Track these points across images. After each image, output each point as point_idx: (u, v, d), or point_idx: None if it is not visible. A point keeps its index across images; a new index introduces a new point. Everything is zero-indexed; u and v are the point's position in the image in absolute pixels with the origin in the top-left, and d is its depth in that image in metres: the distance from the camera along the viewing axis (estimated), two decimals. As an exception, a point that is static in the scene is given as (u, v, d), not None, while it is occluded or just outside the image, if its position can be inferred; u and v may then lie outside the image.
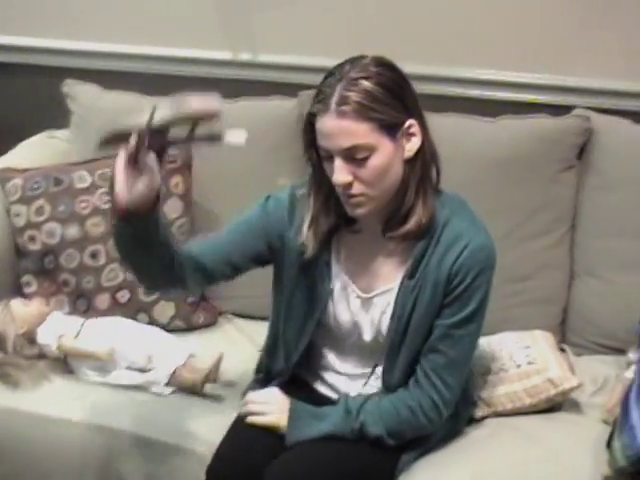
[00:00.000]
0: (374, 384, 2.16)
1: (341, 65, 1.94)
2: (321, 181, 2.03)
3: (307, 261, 2.11)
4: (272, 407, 2.10)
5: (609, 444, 2.13)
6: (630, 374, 2.34)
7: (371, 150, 1.91)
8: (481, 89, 2.88)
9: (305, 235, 2.07)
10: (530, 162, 2.66)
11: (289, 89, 2.92)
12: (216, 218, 2.83)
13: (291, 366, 2.20)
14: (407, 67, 2.72)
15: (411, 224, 2.00)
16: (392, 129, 1.93)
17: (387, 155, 1.93)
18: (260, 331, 2.67)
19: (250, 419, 2.10)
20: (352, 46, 2.93)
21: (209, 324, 2.78)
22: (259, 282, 2.76)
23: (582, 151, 2.70)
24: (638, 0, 2.73)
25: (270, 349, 2.28)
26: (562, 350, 2.50)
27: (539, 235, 2.68)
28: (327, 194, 2.04)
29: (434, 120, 2.50)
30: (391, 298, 2.08)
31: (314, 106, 1.93)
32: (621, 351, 2.59)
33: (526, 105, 2.81)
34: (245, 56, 3.07)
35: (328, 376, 2.23)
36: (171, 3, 3.14)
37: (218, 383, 2.43)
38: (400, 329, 2.07)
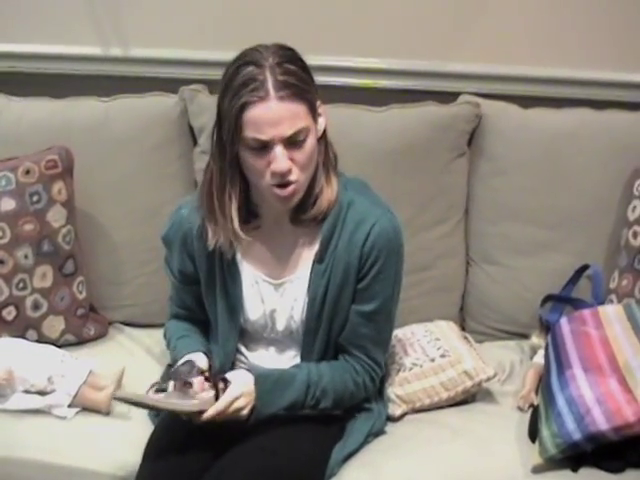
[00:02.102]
0: None
1: (251, 54, 1.91)
2: (237, 178, 2.00)
3: (214, 265, 2.13)
4: (241, 402, 1.99)
5: (531, 432, 2.14)
6: (540, 359, 2.36)
7: (307, 132, 1.93)
8: (367, 78, 2.84)
9: (236, 229, 2.03)
10: (421, 151, 2.63)
11: (165, 84, 2.81)
12: (100, 224, 2.71)
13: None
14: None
15: (320, 206, 2.03)
16: (314, 108, 1.98)
17: (315, 136, 1.97)
18: (152, 339, 2.61)
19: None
20: (230, 38, 2.87)
21: (100, 336, 2.66)
22: (145, 290, 2.73)
23: (472, 137, 2.69)
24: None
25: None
26: (465, 338, 2.49)
27: (434, 224, 2.67)
28: (241, 187, 2.03)
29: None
30: (302, 284, 2.10)
31: (248, 95, 1.87)
32: (521, 335, 2.63)
33: (411, 93, 2.78)
34: (116, 51, 2.93)
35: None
36: (33, -4, 2.97)
37: (121, 399, 2.32)
38: (315, 314, 2.10)
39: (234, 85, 1.89)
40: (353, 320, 2.10)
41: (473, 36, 2.78)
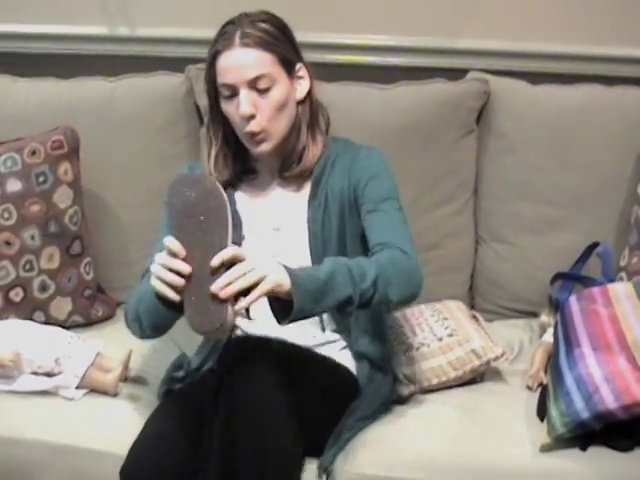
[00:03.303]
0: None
1: (236, 16, 2.12)
2: (219, 124, 2.18)
3: None
4: (265, 267, 1.80)
5: (540, 411, 2.13)
6: (549, 338, 2.35)
7: (273, 81, 2.07)
8: (374, 55, 2.82)
9: (210, 168, 2.18)
10: (430, 129, 2.61)
11: (172, 64, 2.80)
12: (107, 204, 2.71)
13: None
14: (298, 36, 2.66)
15: (305, 162, 2.18)
16: (288, 65, 2.12)
17: (285, 89, 2.11)
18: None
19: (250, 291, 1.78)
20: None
21: (108, 317, 2.66)
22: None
23: (480, 115, 2.67)
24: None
25: None
26: (474, 317, 2.48)
27: (443, 203, 2.65)
28: (226, 139, 2.19)
29: (330, 89, 2.46)
30: (302, 228, 2.18)
31: (218, 44, 2.08)
32: (531, 314, 2.62)
33: (420, 70, 2.76)
34: (122, 31, 2.91)
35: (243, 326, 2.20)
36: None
37: (129, 381, 2.32)
38: (319, 245, 2.15)
39: (213, 40, 2.11)
40: (367, 221, 2.12)
41: (482, 12, 2.75)
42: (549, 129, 2.60)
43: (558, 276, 2.55)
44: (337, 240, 2.15)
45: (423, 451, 2.05)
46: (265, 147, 2.11)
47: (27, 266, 2.50)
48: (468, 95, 2.63)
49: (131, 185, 2.71)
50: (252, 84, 2.05)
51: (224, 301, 1.75)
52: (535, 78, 2.67)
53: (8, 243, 2.48)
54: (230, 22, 2.10)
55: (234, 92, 2.07)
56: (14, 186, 2.48)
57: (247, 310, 1.83)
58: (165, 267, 1.79)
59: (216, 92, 2.12)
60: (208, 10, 2.84)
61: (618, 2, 2.72)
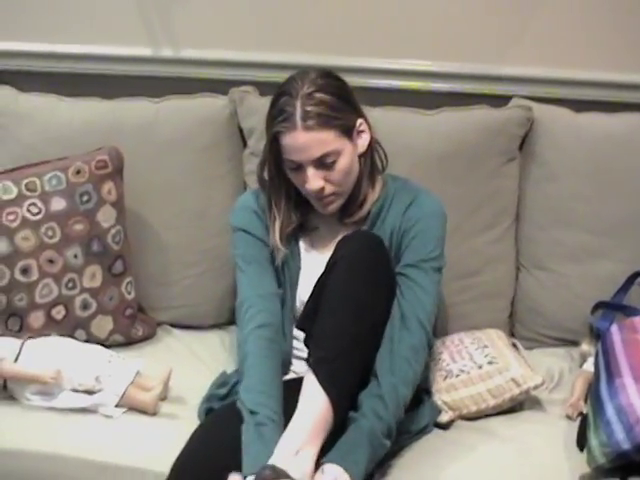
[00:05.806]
0: None
1: (290, 83, 2.15)
2: (281, 191, 2.26)
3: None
4: None
5: (580, 441, 2.12)
6: (590, 367, 2.33)
7: (338, 154, 2.14)
8: (419, 81, 2.81)
9: (276, 241, 2.26)
10: (472, 155, 2.61)
11: (215, 86, 2.82)
12: (149, 224, 2.72)
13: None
14: (341, 61, 2.69)
15: (365, 209, 2.27)
16: (349, 131, 2.17)
17: (350, 155, 2.17)
18: (200, 341, 2.63)
19: None
20: (281, 40, 2.88)
21: (148, 337, 2.66)
22: (193, 291, 2.75)
23: (523, 142, 2.67)
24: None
25: None
26: (514, 346, 2.46)
27: (484, 229, 2.64)
28: (287, 201, 2.27)
29: (373, 114, 2.48)
30: None
31: (279, 125, 2.12)
32: (571, 342, 2.60)
33: (464, 96, 2.75)
34: (167, 52, 2.93)
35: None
36: (87, -1, 2.98)
37: (168, 400, 2.32)
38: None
39: (271, 114, 2.16)
40: (400, 275, 2.15)
41: (526, 39, 2.74)
42: (592, 157, 2.59)
43: (599, 305, 2.53)
44: None
45: (459, 478, 2.04)
46: (333, 208, 2.22)
47: (70, 284, 2.51)
48: (511, 122, 2.62)
49: (173, 206, 2.72)
50: (318, 162, 2.12)
51: None
52: (578, 105, 2.67)
53: (51, 261, 2.49)
54: (286, 92, 2.12)
55: (300, 166, 2.14)
56: (58, 205, 2.51)
57: None
58: None
59: (277, 166, 2.21)
60: (252, 33, 2.88)
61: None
